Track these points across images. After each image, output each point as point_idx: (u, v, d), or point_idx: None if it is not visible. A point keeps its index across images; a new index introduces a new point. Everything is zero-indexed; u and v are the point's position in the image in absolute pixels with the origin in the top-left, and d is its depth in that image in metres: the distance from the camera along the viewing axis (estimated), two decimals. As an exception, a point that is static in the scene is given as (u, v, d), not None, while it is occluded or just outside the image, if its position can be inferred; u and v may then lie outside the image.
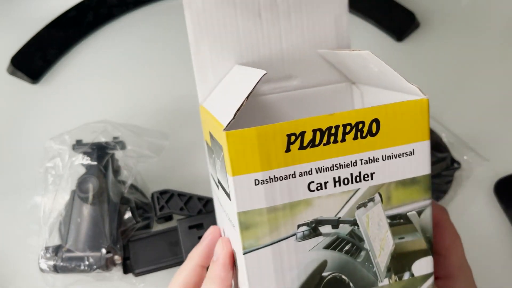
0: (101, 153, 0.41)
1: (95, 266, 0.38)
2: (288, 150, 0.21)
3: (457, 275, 0.28)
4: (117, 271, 0.39)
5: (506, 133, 0.49)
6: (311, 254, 0.23)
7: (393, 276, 0.24)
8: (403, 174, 0.23)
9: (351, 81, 0.31)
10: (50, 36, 0.54)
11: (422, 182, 0.23)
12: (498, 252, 0.44)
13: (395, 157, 0.23)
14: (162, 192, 0.42)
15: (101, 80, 0.52)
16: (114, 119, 0.45)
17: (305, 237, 0.22)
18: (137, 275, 0.39)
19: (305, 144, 0.21)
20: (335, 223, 0.23)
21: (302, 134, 0.21)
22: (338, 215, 0.23)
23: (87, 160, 0.41)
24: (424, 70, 0.53)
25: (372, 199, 0.23)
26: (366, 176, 0.22)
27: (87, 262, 0.38)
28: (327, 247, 0.23)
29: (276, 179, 0.21)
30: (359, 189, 0.23)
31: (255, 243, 0.22)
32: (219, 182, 0.25)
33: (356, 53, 0.25)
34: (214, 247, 0.27)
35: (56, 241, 0.40)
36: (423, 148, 0.23)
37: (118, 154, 0.42)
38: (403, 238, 0.24)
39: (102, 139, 0.42)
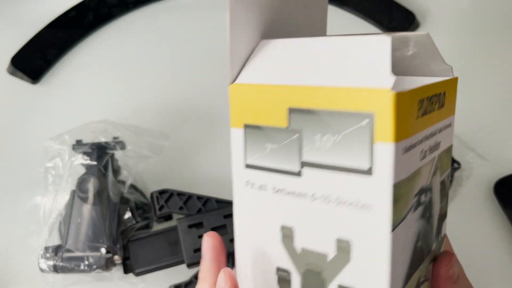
0: (101, 153, 0.41)
1: (95, 266, 0.38)
2: (417, 117, 0.21)
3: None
4: (117, 271, 0.39)
5: (506, 133, 0.49)
6: (415, 225, 0.23)
7: (437, 238, 0.26)
8: (448, 143, 0.26)
9: None
10: (50, 36, 0.54)
11: (451, 151, 0.26)
12: (498, 252, 0.44)
13: (447, 127, 0.25)
14: (162, 192, 0.42)
15: (101, 80, 0.52)
16: (114, 119, 0.45)
17: (416, 207, 0.22)
18: (137, 274, 0.40)
19: (423, 111, 0.22)
20: (429, 191, 0.24)
21: (423, 100, 0.22)
22: (429, 183, 0.23)
23: (87, 160, 0.41)
24: (424, 70, 0.53)
25: (437, 167, 0.24)
26: (438, 144, 0.24)
27: (87, 262, 0.38)
28: (421, 216, 0.23)
29: (410, 148, 0.21)
30: (435, 156, 0.24)
31: (397, 218, 0.21)
32: (310, 165, 0.22)
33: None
34: (219, 258, 0.27)
35: (56, 241, 0.40)
36: (453, 121, 0.26)
37: (118, 154, 0.42)
38: (442, 202, 0.26)
39: (102, 139, 0.42)
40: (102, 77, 0.53)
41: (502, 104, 0.51)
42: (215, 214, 0.41)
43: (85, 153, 0.41)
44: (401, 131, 0.20)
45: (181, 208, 0.42)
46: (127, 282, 0.40)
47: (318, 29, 0.32)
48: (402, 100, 0.20)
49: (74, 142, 0.42)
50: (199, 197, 0.42)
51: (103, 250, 0.38)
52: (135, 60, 0.54)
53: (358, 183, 0.21)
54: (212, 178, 0.46)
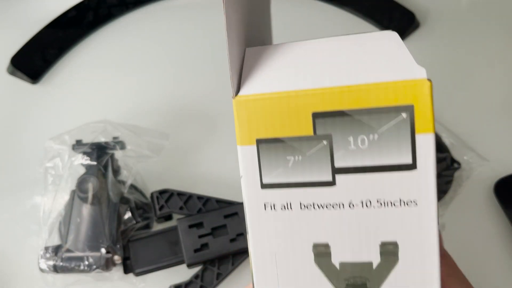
0: (101, 153, 0.41)
1: (94, 266, 0.38)
2: None
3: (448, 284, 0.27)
4: (117, 271, 0.39)
5: (506, 133, 0.49)
6: None
7: None
8: None
9: None
10: (50, 36, 0.54)
11: None
12: (498, 252, 0.44)
13: None
14: (162, 192, 0.42)
15: (101, 80, 0.52)
16: (114, 119, 0.45)
17: None
18: (137, 274, 0.39)
19: None
20: None
21: None
22: None
23: (86, 160, 0.41)
24: (424, 70, 0.53)
25: None
26: None
27: (86, 262, 0.38)
28: None
29: None
30: None
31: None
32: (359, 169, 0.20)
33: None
34: None
35: (55, 241, 0.40)
36: None
37: (118, 154, 0.42)
38: None
39: (102, 139, 0.42)
40: (102, 77, 0.52)
41: (502, 104, 0.51)
42: (215, 214, 0.41)
43: (85, 153, 0.41)
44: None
45: (181, 208, 0.42)
46: (127, 282, 0.40)
47: (268, 37, 0.31)
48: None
49: (74, 142, 0.42)
50: (199, 197, 0.42)
51: (103, 250, 0.38)
52: (135, 60, 0.54)
53: (401, 179, 0.20)
54: (212, 178, 0.46)
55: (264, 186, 0.21)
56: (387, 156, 0.20)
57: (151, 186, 0.44)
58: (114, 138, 0.42)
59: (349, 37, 0.23)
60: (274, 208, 0.21)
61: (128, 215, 0.41)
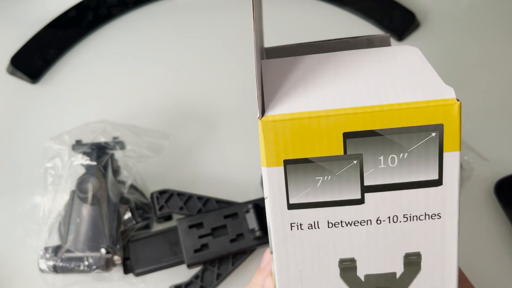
0: (101, 153, 0.41)
1: (94, 267, 0.38)
2: None
3: None
4: (117, 271, 0.39)
5: (506, 133, 0.49)
6: None
7: None
8: None
9: None
10: (50, 36, 0.54)
11: None
12: (498, 252, 0.44)
13: None
14: (162, 192, 0.42)
15: (101, 80, 0.52)
16: (114, 119, 0.45)
17: None
18: (137, 275, 0.39)
19: None
20: None
21: None
22: None
23: (86, 160, 0.41)
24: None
25: None
26: None
27: (86, 263, 0.38)
28: None
29: None
30: None
31: None
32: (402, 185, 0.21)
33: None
34: None
35: (55, 241, 0.40)
36: None
37: (118, 154, 0.42)
38: None
39: (102, 139, 0.42)
40: (102, 77, 0.52)
41: (502, 104, 0.51)
42: (216, 214, 0.40)
43: (84, 153, 0.41)
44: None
45: (181, 208, 0.41)
46: (127, 282, 0.40)
47: (262, 42, 0.31)
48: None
49: (73, 142, 0.42)
50: (199, 197, 0.42)
51: (103, 251, 0.38)
52: (135, 60, 0.54)
53: (427, 195, 0.21)
54: (212, 179, 0.46)
55: (291, 206, 0.21)
56: (415, 173, 0.20)
57: (151, 186, 0.44)
58: (114, 138, 0.42)
59: (371, 52, 0.23)
60: (301, 228, 0.21)
61: (128, 215, 0.41)
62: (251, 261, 0.41)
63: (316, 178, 0.20)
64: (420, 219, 0.21)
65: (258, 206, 0.40)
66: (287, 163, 0.20)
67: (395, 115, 0.20)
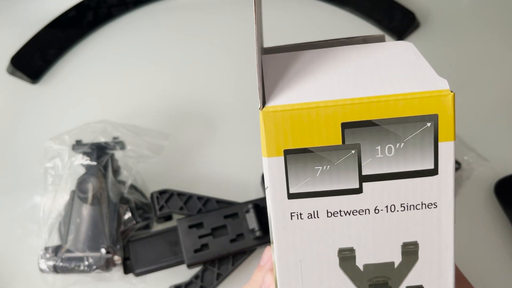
0: (101, 153, 0.41)
1: (94, 267, 0.38)
2: None
3: None
4: (117, 271, 0.39)
5: (506, 133, 0.49)
6: None
7: None
8: None
9: None
10: (50, 36, 0.54)
11: None
12: (498, 252, 0.44)
13: None
14: (162, 192, 0.42)
15: (101, 80, 0.52)
16: (114, 119, 0.45)
17: None
18: (137, 275, 0.39)
19: None
20: None
21: None
22: None
23: (86, 160, 0.41)
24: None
25: None
26: None
27: (86, 263, 0.38)
28: None
29: None
30: None
31: None
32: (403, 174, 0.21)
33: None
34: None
35: (55, 241, 0.40)
36: None
37: (118, 154, 0.42)
38: None
39: (102, 139, 0.42)
40: (102, 77, 0.52)
41: (502, 104, 0.51)
42: (216, 214, 0.40)
43: (85, 153, 0.41)
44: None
45: (181, 208, 0.42)
46: (127, 282, 0.40)
47: (262, 40, 0.32)
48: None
49: (73, 142, 0.42)
50: (199, 197, 0.42)
51: (103, 251, 0.38)
52: (135, 60, 0.54)
53: (423, 184, 0.21)
54: (212, 179, 0.46)
55: (291, 196, 0.21)
56: (411, 163, 0.21)
57: (151, 186, 0.44)
58: (114, 138, 0.42)
59: (367, 47, 0.23)
60: (301, 217, 0.21)
61: (128, 215, 0.41)
62: (251, 261, 0.41)
63: (315, 167, 0.21)
64: (417, 208, 0.21)
65: (258, 206, 0.40)
66: (287, 153, 0.21)
67: (391, 105, 0.20)
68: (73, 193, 0.40)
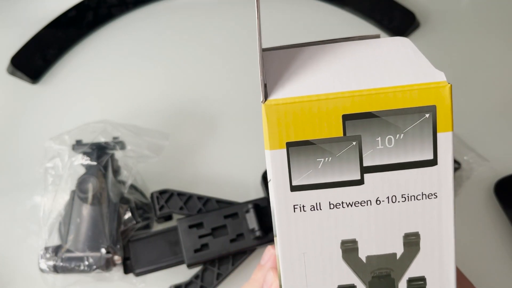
0: (101, 153, 0.41)
1: (94, 266, 0.38)
2: None
3: None
4: (117, 271, 0.39)
5: (506, 133, 0.49)
6: None
7: None
8: None
9: None
10: (50, 36, 0.54)
11: None
12: (498, 252, 0.44)
13: None
14: (162, 192, 0.42)
15: (101, 80, 0.52)
16: (114, 119, 0.45)
17: None
18: (137, 275, 0.39)
19: None
20: None
21: None
22: None
23: (86, 160, 0.41)
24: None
25: None
26: None
27: (86, 262, 0.38)
28: None
29: None
30: None
31: None
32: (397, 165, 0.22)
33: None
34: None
35: (55, 241, 0.40)
36: None
37: (118, 154, 0.42)
38: None
39: (102, 139, 0.42)
40: (102, 77, 0.52)
41: (502, 104, 0.51)
42: (216, 214, 0.41)
43: (85, 153, 0.41)
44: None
45: (181, 208, 0.42)
46: (127, 282, 0.40)
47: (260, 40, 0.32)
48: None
49: (74, 142, 0.42)
50: (200, 197, 0.42)
51: (103, 250, 0.38)
52: (135, 60, 0.54)
53: (423, 174, 0.21)
54: (212, 178, 0.46)
55: (293, 188, 0.22)
56: (411, 154, 0.21)
57: (151, 186, 0.44)
58: (114, 138, 0.42)
59: (364, 42, 0.24)
60: (304, 210, 0.22)
61: (128, 215, 0.41)
62: (251, 261, 0.41)
63: (317, 159, 0.21)
64: (417, 199, 0.22)
65: (258, 206, 0.40)
66: (289, 145, 0.21)
67: (390, 97, 0.21)
68: (73, 193, 0.40)
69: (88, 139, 0.42)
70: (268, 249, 0.30)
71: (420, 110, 0.21)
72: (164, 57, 0.54)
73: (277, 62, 0.23)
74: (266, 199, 0.42)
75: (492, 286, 0.42)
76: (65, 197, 0.41)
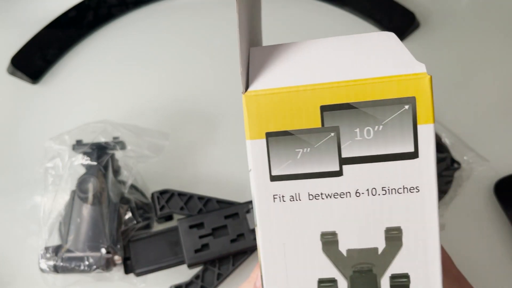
0: (101, 153, 0.41)
1: (95, 266, 0.38)
2: None
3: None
4: (118, 271, 0.39)
5: (506, 133, 0.49)
6: None
7: None
8: None
9: None
10: (50, 36, 0.54)
11: None
12: (498, 252, 0.44)
13: None
14: (162, 192, 0.42)
15: (101, 80, 0.52)
16: (114, 119, 0.45)
17: None
18: (138, 275, 0.39)
19: None
20: None
21: None
22: None
23: (87, 160, 0.41)
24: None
25: None
26: None
27: (87, 262, 0.38)
28: None
29: None
30: None
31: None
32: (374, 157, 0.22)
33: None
34: None
35: (56, 241, 0.40)
36: None
37: (118, 154, 0.42)
38: None
39: (102, 139, 0.42)
40: (102, 77, 0.52)
41: (502, 104, 0.51)
42: (216, 214, 0.41)
43: (85, 153, 0.41)
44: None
45: (181, 208, 0.42)
46: (127, 282, 0.40)
47: (260, 39, 0.33)
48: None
49: (74, 142, 0.42)
50: (200, 198, 0.42)
51: (103, 250, 0.38)
52: (135, 60, 0.54)
53: (404, 167, 0.21)
54: (213, 179, 0.46)
55: (273, 178, 0.22)
56: (391, 146, 0.21)
57: (151, 186, 0.44)
58: (114, 138, 0.42)
59: (349, 37, 0.24)
60: (283, 200, 0.22)
61: (128, 215, 0.41)
62: (251, 261, 0.41)
63: (296, 150, 0.21)
64: (398, 192, 0.21)
65: (259, 206, 0.40)
66: (268, 135, 0.21)
67: (368, 88, 0.21)
68: (73, 193, 0.40)
69: (88, 139, 0.42)
70: None
71: (399, 102, 0.21)
72: (164, 57, 0.54)
73: (262, 56, 0.24)
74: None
75: (492, 286, 0.42)
76: (65, 197, 0.41)
